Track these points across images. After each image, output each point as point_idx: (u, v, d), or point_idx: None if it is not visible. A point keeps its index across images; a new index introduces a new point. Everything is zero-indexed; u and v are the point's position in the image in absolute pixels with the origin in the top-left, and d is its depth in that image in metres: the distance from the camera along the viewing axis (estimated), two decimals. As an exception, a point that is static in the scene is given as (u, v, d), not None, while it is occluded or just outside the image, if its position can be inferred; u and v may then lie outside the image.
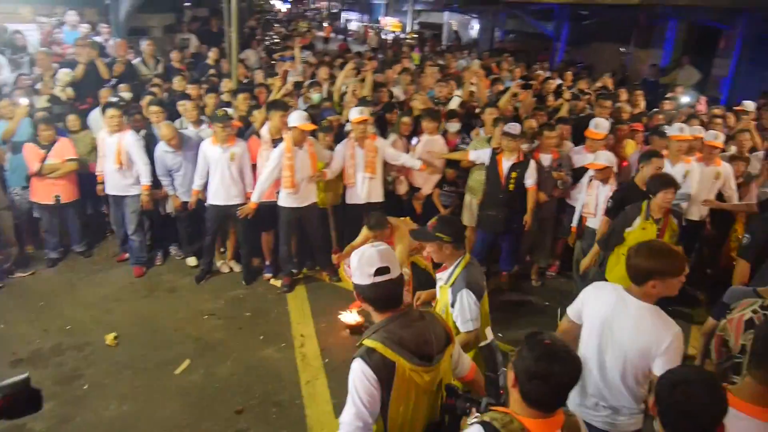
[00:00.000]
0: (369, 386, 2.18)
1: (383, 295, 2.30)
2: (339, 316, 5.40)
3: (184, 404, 4.39)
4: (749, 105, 7.86)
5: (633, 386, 2.80)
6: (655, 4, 11.81)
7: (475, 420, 2.01)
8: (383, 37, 23.61)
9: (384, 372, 2.19)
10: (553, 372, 1.87)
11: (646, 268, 2.70)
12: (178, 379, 4.68)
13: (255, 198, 5.68)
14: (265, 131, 5.90)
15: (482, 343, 3.41)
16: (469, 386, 2.68)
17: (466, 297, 3.11)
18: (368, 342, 2.25)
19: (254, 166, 5.96)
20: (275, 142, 5.79)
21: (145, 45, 8.91)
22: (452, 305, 3.15)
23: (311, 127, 5.59)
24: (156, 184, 6.12)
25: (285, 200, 5.76)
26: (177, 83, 7.49)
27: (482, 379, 2.74)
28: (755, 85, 10.20)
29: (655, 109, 7.75)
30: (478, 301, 3.15)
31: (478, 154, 5.96)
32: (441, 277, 3.32)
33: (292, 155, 5.55)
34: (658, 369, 2.63)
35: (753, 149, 6.55)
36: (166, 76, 8.35)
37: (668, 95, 8.80)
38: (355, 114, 5.81)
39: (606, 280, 5.05)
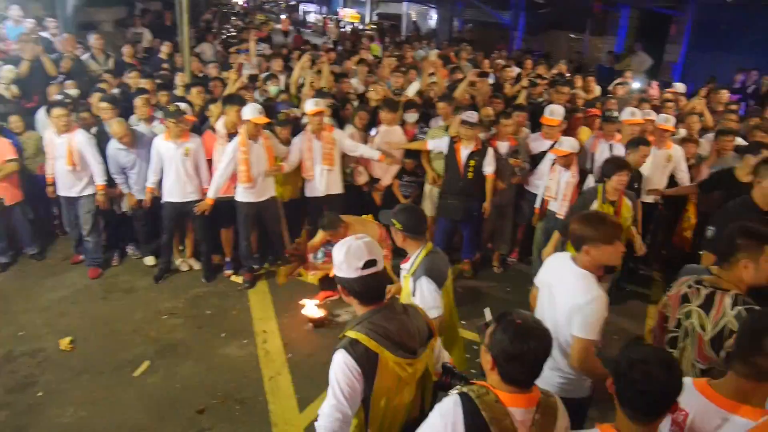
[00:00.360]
0: (351, 378, 2.18)
1: (371, 287, 2.30)
2: (302, 311, 5.36)
3: (144, 407, 4.30)
4: (680, 87, 8.15)
5: (565, 348, 2.90)
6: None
7: (454, 391, 2.06)
8: (342, 29, 23.44)
9: (367, 364, 2.19)
10: (530, 349, 1.92)
11: (580, 234, 2.88)
12: (137, 381, 4.57)
13: (211, 194, 5.58)
14: (220, 126, 5.80)
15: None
16: None
17: (426, 284, 3.09)
18: (352, 333, 2.24)
19: (210, 162, 5.86)
20: (231, 136, 5.69)
21: (93, 39, 8.62)
22: (413, 294, 3.14)
23: (265, 120, 5.48)
24: (110, 182, 5.95)
25: (242, 195, 5.67)
26: (131, 79, 7.26)
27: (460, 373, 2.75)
28: (704, 70, 10.51)
29: (608, 95, 7.89)
30: (439, 288, 3.13)
31: (436, 143, 5.98)
32: (404, 267, 3.30)
33: (247, 149, 5.45)
34: (574, 328, 2.79)
35: (704, 130, 6.75)
36: (117, 71, 8.11)
37: (619, 80, 8.97)
38: (310, 106, 5.74)
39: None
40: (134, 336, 5.12)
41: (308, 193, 6.12)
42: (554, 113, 6.01)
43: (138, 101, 6.11)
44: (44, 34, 8.99)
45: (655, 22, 13.48)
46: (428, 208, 6.33)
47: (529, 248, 6.30)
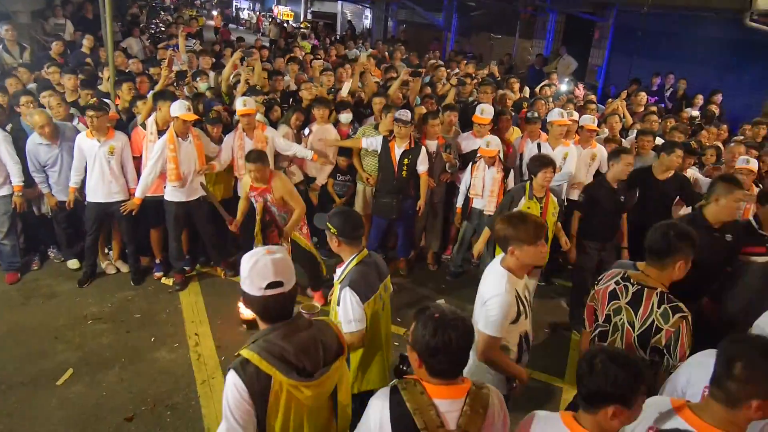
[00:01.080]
0: (240, 401, 2.04)
1: (272, 308, 2.14)
2: (238, 309, 5.26)
3: (67, 417, 4.09)
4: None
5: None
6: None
7: (390, 385, 2.09)
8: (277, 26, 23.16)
9: (258, 386, 2.04)
10: (450, 340, 1.95)
11: (504, 234, 2.91)
12: (60, 390, 4.35)
13: (139, 193, 5.43)
14: (151, 122, 5.58)
15: None
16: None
17: (349, 296, 2.94)
18: (244, 352, 2.09)
19: (139, 159, 5.65)
20: (161, 133, 5.52)
21: (4, 31, 8.13)
22: (338, 303, 3.01)
23: (193, 117, 5.39)
24: (28, 182, 5.63)
25: (171, 194, 5.54)
26: (50, 74, 6.86)
27: None
28: (626, 73, 11.03)
29: (536, 96, 8.17)
30: (362, 302, 2.94)
31: (370, 141, 6.01)
32: (337, 272, 3.16)
33: (176, 146, 5.33)
34: (479, 323, 2.89)
35: (624, 130, 7.10)
36: (35, 64, 7.68)
37: (545, 82, 9.32)
38: (239, 106, 5.67)
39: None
40: (56, 343, 4.87)
41: (240, 191, 5.94)
42: (485, 112, 6.17)
43: (52, 100, 5.75)
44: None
45: (580, 26, 14.05)
46: (360, 206, 6.36)
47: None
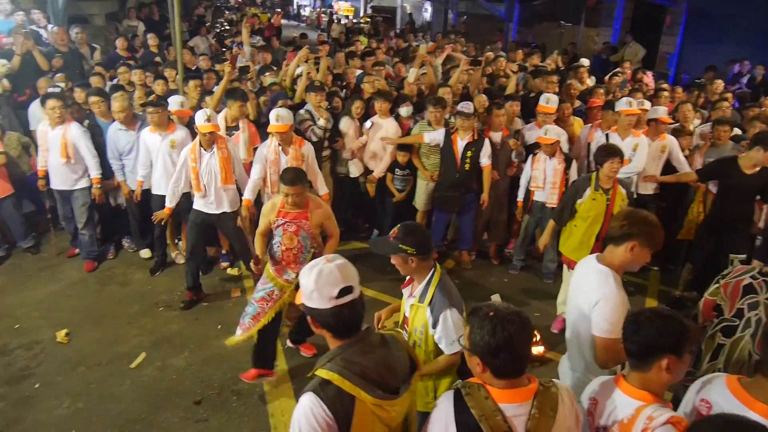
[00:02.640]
0: (317, 427, 1.86)
1: (347, 319, 1.98)
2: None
3: (140, 398, 4.29)
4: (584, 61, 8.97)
5: (585, 349, 2.83)
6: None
7: (453, 386, 2.03)
8: (336, 23, 23.39)
9: (341, 408, 1.87)
10: (511, 335, 1.86)
11: (630, 232, 2.71)
12: (133, 373, 4.57)
13: (168, 202, 5.28)
14: (220, 119, 5.72)
15: None
16: None
17: (451, 317, 2.76)
18: (323, 373, 1.91)
19: None
20: (230, 129, 5.68)
21: (74, 33, 8.55)
22: (433, 326, 2.81)
23: (209, 129, 4.97)
24: (105, 175, 5.92)
25: (197, 202, 5.31)
26: (121, 74, 7.20)
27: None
28: (701, 60, 10.50)
29: (598, 85, 7.87)
30: (462, 318, 2.79)
31: (432, 135, 5.95)
32: (411, 294, 2.95)
33: (197, 158, 5.08)
34: (594, 328, 2.69)
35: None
36: (109, 63, 8.07)
37: (616, 70, 8.97)
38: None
39: (559, 253, 5.22)
40: (130, 328, 5.11)
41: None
42: (550, 101, 6.01)
43: (116, 103, 5.98)
44: (33, 27, 8.93)
45: (650, 12, 13.47)
46: (422, 202, 6.34)
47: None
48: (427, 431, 2.02)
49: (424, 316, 2.84)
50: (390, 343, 2.10)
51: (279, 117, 5.03)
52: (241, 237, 5.55)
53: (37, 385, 4.40)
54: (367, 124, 6.33)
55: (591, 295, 2.72)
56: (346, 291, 1.96)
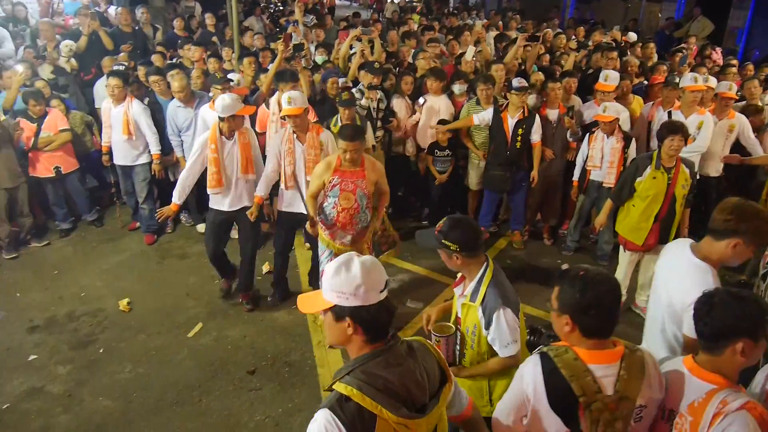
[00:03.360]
0: None
1: (384, 319, 1.81)
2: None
3: (196, 366, 4.46)
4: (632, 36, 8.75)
5: (673, 345, 2.66)
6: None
7: (536, 351, 2.05)
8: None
9: (361, 427, 1.69)
10: (602, 294, 1.91)
11: (737, 228, 2.42)
12: (190, 342, 4.74)
13: (176, 198, 4.79)
14: (273, 102, 5.73)
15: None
16: (464, 426, 2.21)
17: (505, 317, 2.58)
18: (341, 387, 1.73)
19: (262, 136, 5.78)
20: None
21: (140, 13, 8.80)
22: (486, 327, 2.64)
23: (247, 110, 4.70)
24: (165, 151, 6.11)
25: (214, 201, 4.86)
26: (185, 51, 7.42)
27: (480, 416, 2.24)
28: (772, 35, 9.92)
29: (660, 61, 7.54)
30: (517, 317, 2.64)
31: (481, 116, 5.84)
32: (463, 293, 2.75)
33: (218, 147, 4.62)
34: (684, 326, 2.47)
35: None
36: (168, 43, 8.28)
37: (679, 46, 8.57)
38: (284, 104, 4.60)
39: (615, 233, 5.08)
40: (187, 299, 5.30)
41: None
42: (609, 78, 5.80)
43: (194, 72, 6.22)
44: (96, 8, 9.25)
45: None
46: (474, 182, 6.27)
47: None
48: (511, 397, 2.06)
49: (475, 316, 2.66)
50: (418, 353, 1.89)
51: (291, 99, 4.52)
52: (257, 238, 5.14)
53: (101, 350, 4.63)
54: (420, 100, 6.28)
55: (686, 293, 2.41)
56: (387, 285, 1.83)
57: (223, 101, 4.56)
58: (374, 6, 23.63)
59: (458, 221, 2.65)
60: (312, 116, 5.52)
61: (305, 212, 4.71)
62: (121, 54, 7.34)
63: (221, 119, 4.63)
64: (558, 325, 2.01)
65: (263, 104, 5.92)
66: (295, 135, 4.69)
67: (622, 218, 4.88)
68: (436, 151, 6.25)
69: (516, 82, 5.62)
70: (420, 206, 7.03)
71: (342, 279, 1.77)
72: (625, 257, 4.99)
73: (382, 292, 1.79)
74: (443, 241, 2.61)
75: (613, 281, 1.96)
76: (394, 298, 5.24)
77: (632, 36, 9.11)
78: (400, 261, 5.98)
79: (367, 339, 1.81)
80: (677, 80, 5.99)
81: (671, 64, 7.50)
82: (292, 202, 4.87)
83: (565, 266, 2.56)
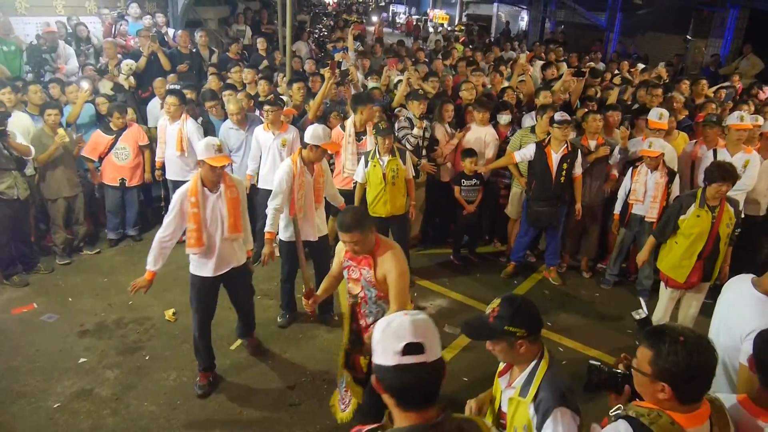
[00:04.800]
0: None
1: (412, 384, 1.63)
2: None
3: (238, 378, 4.59)
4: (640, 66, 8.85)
5: (731, 373, 2.71)
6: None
7: (618, 413, 1.96)
8: (431, 30, 23.60)
9: None
10: (707, 362, 1.84)
11: None
12: (232, 354, 4.88)
13: (150, 265, 4.24)
14: (349, 124, 5.95)
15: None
16: None
17: (562, 420, 2.18)
18: None
19: (335, 156, 6.09)
20: (359, 135, 5.94)
21: (198, 36, 9.20)
22: (538, 428, 2.23)
23: (224, 161, 4.04)
24: None
25: (195, 266, 4.32)
26: (234, 74, 7.73)
27: None
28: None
29: (709, 99, 7.52)
30: (579, 417, 2.24)
31: (522, 153, 5.89)
32: (510, 384, 2.41)
33: (198, 200, 4.07)
34: (742, 356, 2.51)
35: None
36: (221, 66, 8.63)
37: (725, 84, 8.54)
38: (326, 137, 4.70)
39: (656, 270, 5.05)
40: (230, 313, 5.37)
41: (289, 237, 4.94)
42: (663, 117, 5.80)
43: (240, 94, 6.49)
44: (155, 30, 9.69)
45: (766, 22, 12.64)
46: (516, 211, 6.34)
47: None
48: None
49: (526, 413, 2.27)
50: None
51: (315, 135, 4.65)
52: (251, 288, 4.82)
53: (147, 357, 4.80)
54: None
55: (747, 323, 2.56)
56: (414, 349, 1.62)
57: (315, 130, 4.64)
58: (414, 33, 24.11)
59: (520, 302, 2.27)
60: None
61: (311, 239, 4.94)
62: (171, 75, 7.62)
63: (305, 146, 4.71)
64: (650, 390, 1.90)
65: (338, 126, 6.11)
66: (305, 167, 4.76)
67: (664, 255, 4.87)
68: (463, 180, 6.31)
69: (558, 115, 5.68)
70: (458, 233, 7.10)
71: (374, 334, 1.72)
72: (666, 294, 4.96)
73: (403, 353, 1.61)
74: (507, 327, 2.20)
75: (712, 346, 1.87)
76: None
77: (640, 66, 9.20)
78: (438, 286, 6.06)
79: (396, 402, 1.67)
80: (715, 118, 5.97)
81: (716, 102, 7.48)
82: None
83: (638, 315, 2.50)
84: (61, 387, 4.41)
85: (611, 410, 2.04)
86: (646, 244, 5.11)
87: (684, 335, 1.85)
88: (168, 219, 4.12)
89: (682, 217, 4.63)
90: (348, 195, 5.95)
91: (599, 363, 2.26)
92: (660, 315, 4.93)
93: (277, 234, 4.98)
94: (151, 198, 7.36)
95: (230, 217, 4.13)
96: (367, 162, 5.60)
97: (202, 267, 4.25)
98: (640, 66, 9.60)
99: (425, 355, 1.62)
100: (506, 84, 7.73)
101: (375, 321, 3.37)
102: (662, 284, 4.98)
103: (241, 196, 4.28)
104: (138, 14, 9.71)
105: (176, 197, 4.10)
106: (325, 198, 5.10)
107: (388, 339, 1.65)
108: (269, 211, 4.71)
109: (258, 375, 4.63)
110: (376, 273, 3.42)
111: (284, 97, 6.43)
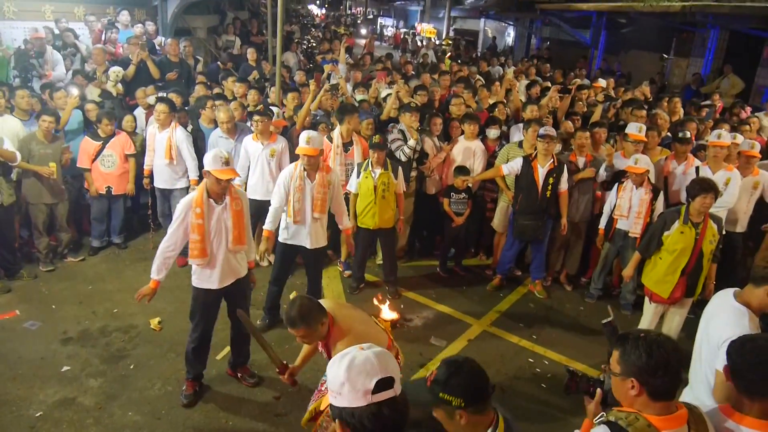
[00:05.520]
0: None
1: (388, 421, 1.55)
2: (381, 313, 5.29)
3: (224, 388, 4.56)
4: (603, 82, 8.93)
5: (711, 380, 2.78)
6: (697, 11, 11.70)
7: (600, 420, 2.01)
8: (419, 43, 23.83)
9: None
10: (669, 354, 1.91)
11: None
12: (219, 364, 4.85)
13: (155, 274, 4.21)
14: (336, 134, 6.01)
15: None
16: None
17: None
18: None
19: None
20: (347, 145, 5.99)
21: (182, 46, 9.20)
22: None
23: (231, 175, 4.03)
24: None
25: (199, 278, 4.29)
26: (229, 84, 7.78)
27: None
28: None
29: (689, 117, 7.69)
30: None
31: (510, 167, 5.96)
32: None
33: (203, 211, 4.04)
34: (718, 362, 2.59)
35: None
36: (208, 74, 8.66)
37: (705, 103, 8.73)
38: (302, 142, 4.76)
39: (640, 284, 5.14)
40: (217, 322, 5.35)
41: (286, 239, 5.14)
42: (642, 130, 5.97)
43: (233, 104, 6.50)
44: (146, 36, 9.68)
45: (745, 43, 12.95)
46: (502, 224, 6.41)
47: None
48: None
49: None
50: None
51: (310, 139, 4.72)
52: (247, 311, 4.45)
53: (131, 366, 4.76)
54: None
55: (722, 330, 2.70)
56: (385, 384, 1.55)
57: (309, 134, 4.77)
58: (401, 47, 24.31)
59: (458, 365, 1.99)
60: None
61: (307, 246, 5.06)
62: (150, 87, 7.52)
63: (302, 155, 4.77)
64: (622, 389, 1.97)
65: (325, 137, 6.10)
66: (305, 172, 4.87)
67: (648, 270, 4.94)
68: (452, 194, 6.37)
69: (542, 130, 5.76)
70: (445, 245, 7.15)
71: (332, 374, 1.61)
72: (650, 308, 5.03)
73: (374, 393, 1.54)
74: (441, 395, 1.94)
75: (675, 342, 1.96)
76: (419, 335, 5.37)
77: (602, 82, 9.40)
78: (425, 299, 6.09)
79: None
80: (687, 135, 6.10)
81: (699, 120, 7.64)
82: (295, 236, 5.10)
83: (607, 320, 2.54)
84: (43, 395, 4.35)
85: (594, 416, 2.13)
86: (631, 260, 5.20)
87: (645, 333, 1.96)
88: (172, 229, 4.11)
89: (666, 233, 4.72)
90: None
91: (573, 369, 2.38)
92: (644, 328, 4.99)
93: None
94: (138, 206, 7.32)
95: (235, 229, 4.12)
96: (359, 173, 5.67)
97: (206, 280, 4.21)
98: (602, 82, 9.69)
99: (394, 389, 1.56)
100: (494, 99, 7.83)
101: None
102: (646, 299, 5.06)
103: (245, 209, 4.25)
104: (128, 22, 9.70)
105: (181, 207, 4.07)
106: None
107: (357, 378, 1.54)
108: (270, 209, 4.96)
109: (244, 385, 4.61)
110: (336, 350, 3.12)
111: (274, 108, 6.44)
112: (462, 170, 6.28)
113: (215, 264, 4.15)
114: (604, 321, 2.37)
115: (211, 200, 4.07)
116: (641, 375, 1.91)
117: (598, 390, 2.24)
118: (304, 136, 4.77)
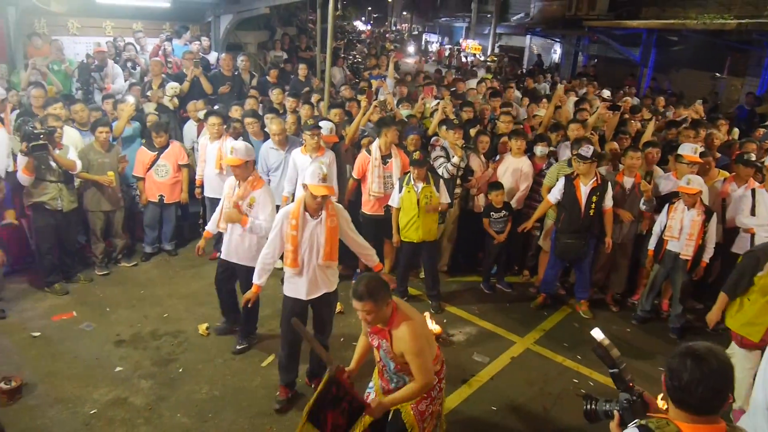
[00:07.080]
0: None
1: None
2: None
3: (268, 395, 4.63)
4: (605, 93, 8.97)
5: None
6: (754, 29, 11.42)
7: (633, 424, 2.02)
8: (464, 59, 23.89)
9: None
10: (708, 370, 1.87)
11: None
12: (263, 371, 4.95)
13: (256, 279, 4.37)
14: (375, 147, 6.11)
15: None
16: None
17: None
18: None
19: (362, 181, 6.28)
20: (385, 158, 6.08)
21: (240, 61, 9.49)
22: None
23: (326, 192, 4.00)
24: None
25: (289, 286, 4.33)
26: (275, 95, 8.02)
27: None
28: None
29: (745, 138, 7.48)
30: None
31: (554, 194, 5.91)
32: None
33: (299, 224, 4.08)
34: None
35: None
36: (260, 88, 8.90)
37: (765, 124, 8.48)
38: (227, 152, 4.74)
39: (685, 309, 4.90)
40: (262, 329, 5.51)
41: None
42: (697, 151, 5.83)
43: (290, 118, 6.73)
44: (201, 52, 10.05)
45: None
46: (548, 243, 6.34)
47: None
48: None
49: None
50: None
51: (234, 150, 4.64)
52: (332, 323, 4.61)
53: (180, 370, 4.90)
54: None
55: None
56: None
57: (233, 144, 4.78)
58: (449, 63, 24.40)
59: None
60: None
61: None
62: (200, 101, 7.73)
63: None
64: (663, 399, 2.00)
65: (364, 150, 6.27)
66: (307, 212, 4.17)
67: (734, 312, 4.50)
68: (491, 213, 6.35)
69: (583, 150, 5.65)
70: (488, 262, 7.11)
71: None
72: (740, 354, 4.43)
73: None
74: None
75: (724, 360, 1.91)
76: (461, 350, 5.36)
77: (605, 93, 9.20)
78: (468, 314, 6.07)
79: None
80: (752, 157, 5.93)
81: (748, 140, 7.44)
82: (293, 287, 4.40)
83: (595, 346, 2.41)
84: (97, 394, 4.52)
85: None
86: (717, 302, 4.64)
87: (698, 347, 1.92)
88: (271, 236, 4.27)
89: (759, 274, 4.28)
90: (376, 220, 6.06)
91: (588, 394, 2.39)
92: (740, 379, 4.19)
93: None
94: (188, 214, 7.54)
95: (327, 245, 4.15)
96: (401, 187, 5.73)
97: (294, 290, 4.31)
98: (605, 92, 9.46)
99: None
100: (540, 113, 7.80)
101: (397, 388, 3.33)
102: (733, 344, 4.51)
103: (343, 226, 4.26)
104: (188, 38, 10.09)
105: (279, 217, 4.23)
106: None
107: None
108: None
109: (287, 393, 4.68)
110: (393, 347, 3.20)
111: (327, 123, 6.57)
112: (496, 186, 6.27)
113: (306, 275, 4.23)
114: (593, 347, 2.34)
115: (307, 214, 4.13)
116: (670, 384, 1.94)
117: (615, 413, 2.22)
118: (227, 146, 4.77)
